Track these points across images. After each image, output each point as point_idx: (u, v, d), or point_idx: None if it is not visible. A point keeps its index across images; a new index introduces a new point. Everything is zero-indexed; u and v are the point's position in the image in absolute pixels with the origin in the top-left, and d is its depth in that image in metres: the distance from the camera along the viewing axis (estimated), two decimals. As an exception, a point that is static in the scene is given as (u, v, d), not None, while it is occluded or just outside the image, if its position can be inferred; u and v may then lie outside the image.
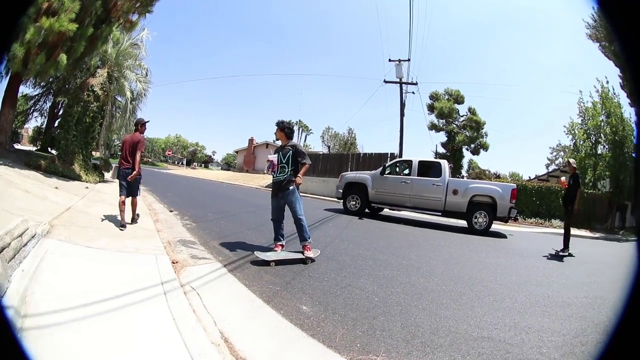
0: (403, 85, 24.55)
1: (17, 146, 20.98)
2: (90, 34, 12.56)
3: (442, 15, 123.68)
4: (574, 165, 9.00)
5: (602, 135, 19.74)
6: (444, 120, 36.29)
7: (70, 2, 11.33)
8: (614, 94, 19.54)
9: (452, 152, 36.06)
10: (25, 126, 32.23)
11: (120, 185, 7.07)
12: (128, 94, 17.86)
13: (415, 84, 25.26)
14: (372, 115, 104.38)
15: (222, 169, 74.92)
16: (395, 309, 3.75)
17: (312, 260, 5.37)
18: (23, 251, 3.88)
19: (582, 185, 19.67)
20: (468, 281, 5.18)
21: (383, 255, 6.46)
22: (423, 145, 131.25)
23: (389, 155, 21.08)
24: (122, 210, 6.84)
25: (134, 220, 7.27)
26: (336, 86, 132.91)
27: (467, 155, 37.70)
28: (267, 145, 53.74)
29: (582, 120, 20.97)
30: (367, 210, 13.12)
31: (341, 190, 13.29)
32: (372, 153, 23.85)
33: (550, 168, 37.87)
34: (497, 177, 32.77)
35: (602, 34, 20.64)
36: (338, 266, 5.31)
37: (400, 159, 14.89)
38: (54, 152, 18.20)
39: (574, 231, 15.80)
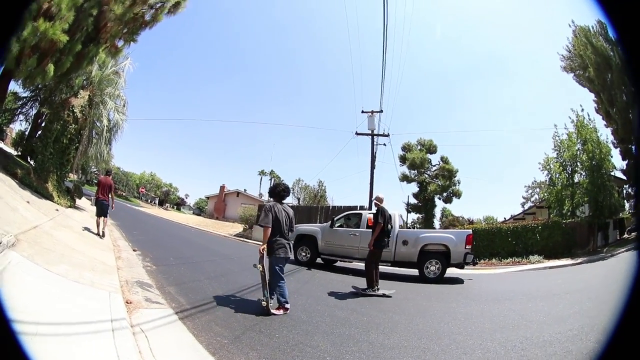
0: (375, 137, 24.90)
1: (0, 144, 20.88)
2: (78, 51, 12.92)
3: (413, 65, 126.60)
4: (376, 202, 8.83)
5: (578, 164, 20.59)
6: (415, 171, 37.01)
7: (67, 11, 11.72)
8: (590, 119, 20.65)
9: (424, 202, 36.84)
10: (11, 126, 32.22)
11: (99, 210, 11.24)
12: (105, 122, 18.06)
13: (387, 135, 25.73)
14: (343, 167, 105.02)
15: (193, 213, 74.33)
16: None
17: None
18: None
19: (560, 216, 20.37)
20: (434, 335, 5.04)
21: (342, 311, 6.35)
22: (394, 196, 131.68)
23: (357, 208, 21.35)
24: (98, 224, 11.03)
25: (104, 234, 10.97)
26: (309, 137, 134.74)
27: (440, 204, 38.36)
28: (238, 194, 54.67)
29: (557, 153, 21.87)
30: (319, 261, 13.37)
31: (292, 242, 13.35)
32: (341, 206, 24.43)
33: (527, 206, 38.47)
34: (471, 222, 33.06)
35: (576, 63, 22.47)
36: (292, 322, 5.26)
37: (351, 212, 15.18)
38: (32, 162, 18.24)
39: (553, 262, 15.97)
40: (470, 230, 12.45)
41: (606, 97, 20.68)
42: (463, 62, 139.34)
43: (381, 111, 24.42)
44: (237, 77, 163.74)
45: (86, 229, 11.21)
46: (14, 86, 18.07)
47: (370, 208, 22.10)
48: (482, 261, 18.62)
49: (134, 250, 10.05)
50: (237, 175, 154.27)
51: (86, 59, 14.01)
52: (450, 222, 34.81)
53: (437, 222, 39.77)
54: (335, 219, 13.47)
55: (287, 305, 5.87)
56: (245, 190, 56.41)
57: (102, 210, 11.15)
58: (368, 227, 12.29)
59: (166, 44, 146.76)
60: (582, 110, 20.82)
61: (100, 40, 14.03)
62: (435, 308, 7.34)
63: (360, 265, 13.09)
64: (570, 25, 22.80)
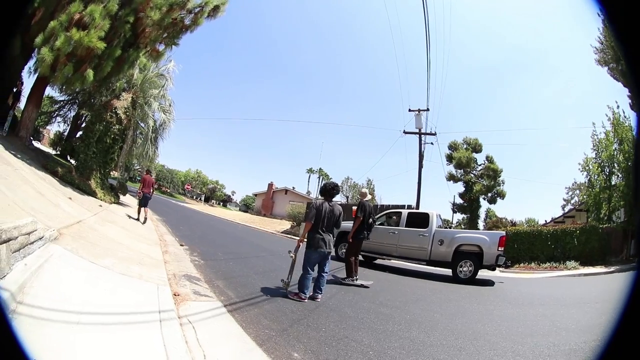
0: (422, 135, 24.82)
1: (37, 144, 21.65)
2: (118, 56, 13.25)
3: (457, 63, 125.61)
4: (359, 196, 8.94)
5: (615, 164, 19.61)
6: (461, 170, 36.67)
7: (101, 20, 12.07)
8: (625, 117, 19.45)
9: (470, 203, 36.59)
10: (47, 127, 33.34)
11: (141, 201, 13.18)
12: (150, 122, 18.39)
13: (434, 134, 25.49)
14: (391, 166, 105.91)
15: (240, 209, 75.07)
16: None
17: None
18: (28, 248, 4.10)
19: (597, 220, 19.48)
20: (470, 335, 5.08)
21: (387, 308, 6.39)
22: (441, 196, 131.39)
23: (405, 207, 21.16)
24: (139, 212, 13.33)
25: (145, 220, 13.13)
26: (357, 136, 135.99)
27: (485, 204, 37.80)
28: (286, 191, 54.61)
29: (595, 153, 20.85)
30: (360, 258, 13.31)
31: (334, 239, 13.52)
32: (389, 204, 24.03)
33: (566, 208, 37.21)
34: (513, 224, 32.48)
35: (609, 56, 20.81)
36: (339, 318, 5.31)
37: (392, 210, 15.24)
38: (72, 161, 18.76)
39: (588, 270, 15.62)
40: (504, 232, 12.32)
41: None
42: (503, 57, 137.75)
43: (427, 109, 24.26)
44: (283, 76, 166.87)
45: (128, 215, 13.42)
46: (50, 91, 18.64)
47: (418, 206, 22.06)
48: (521, 265, 18.46)
49: (181, 245, 10.13)
50: (285, 173, 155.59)
51: (127, 63, 14.40)
52: (494, 223, 34.18)
53: (481, 223, 39.35)
54: (376, 216, 13.43)
55: (319, 297, 6.24)
56: (293, 188, 56.51)
57: (144, 201, 13.22)
58: (407, 225, 12.50)
59: (213, 42, 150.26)
60: (618, 107, 19.75)
61: (140, 45, 14.36)
62: (474, 309, 7.38)
63: (398, 264, 13.54)
64: (599, 14, 21.35)
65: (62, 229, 6.08)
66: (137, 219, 13.14)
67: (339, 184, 52.18)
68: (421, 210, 15.54)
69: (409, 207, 21.73)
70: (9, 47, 11.87)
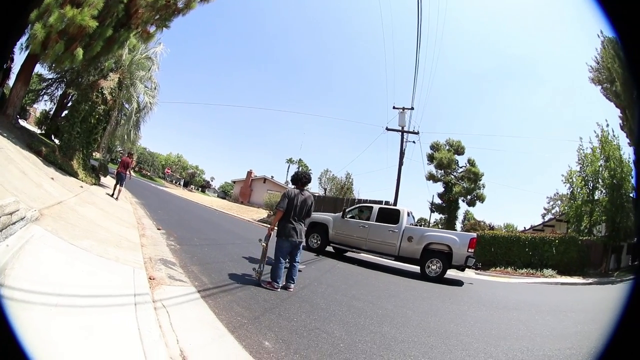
0: (404, 133, 24.94)
1: (23, 123, 21.37)
2: (109, 36, 13.14)
3: (446, 63, 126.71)
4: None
5: (599, 180, 20.12)
6: (442, 171, 37.10)
7: None
8: (614, 136, 20.12)
9: (448, 203, 37.06)
10: (34, 106, 32.93)
11: (117, 180, 14.62)
12: (135, 104, 18.33)
13: (417, 133, 25.63)
14: (371, 161, 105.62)
15: (218, 196, 74.45)
16: (359, 357, 3.79)
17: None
18: (10, 229, 4.15)
19: (577, 232, 19.94)
20: (443, 334, 5.15)
21: (360, 302, 6.48)
22: (420, 195, 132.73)
23: (383, 203, 21.48)
24: (114, 189, 14.55)
25: (117, 197, 14.10)
26: (339, 129, 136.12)
27: (464, 206, 38.27)
28: (264, 180, 54.47)
29: (580, 167, 21.44)
30: (331, 249, 13.83)
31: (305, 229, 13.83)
32: (366, 199, 24.49)
33: (547, 217, 37.82)
34: (491, 228, 33.09)
35: (604, 76, 21.44)
36: (310, 308, 5.38)
37: (363, 204, 15.73)
38: (56, 140, 18.59)
39: (566, 279, 16.04)
40: (475, 234, 12.51)
41: (631, 114, 19.68)
42: (495, 63, 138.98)
43: (412, 108, 24.45)
44: (269, 66, 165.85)
45: (108, 194, 14.37)
46: (39, 68, 18.41)
47: (395, 203, 22.30)
48: (497, 269, 18.86)
49: (158, 229, 10.12)
50: (265, 162, 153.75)
51: (117, 44, 14.25)
52: (472, 225, 34.71)
53: (459, 225, 39.88)
54: (347, 209, 13.87)
55: (292, 287, 6.31)
56: (272, 177, 56.19)
57: (119, 180, 14.68)
58: (377, 220, 12.71)
59: (200, 28, 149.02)
60: (607, 125, 20.35)
61: (132, 25, 14.23)
62: (447, 309, 7.48)
63: (370, 258, 13.82)
64: (599, 36, 21.77)
65: (43, 209, 6.10)
66: (112, 195, 14.34)
67: (318, 176, 52.73)
68: (393, 206, 15.87)
69: (387, 203, 22.00)
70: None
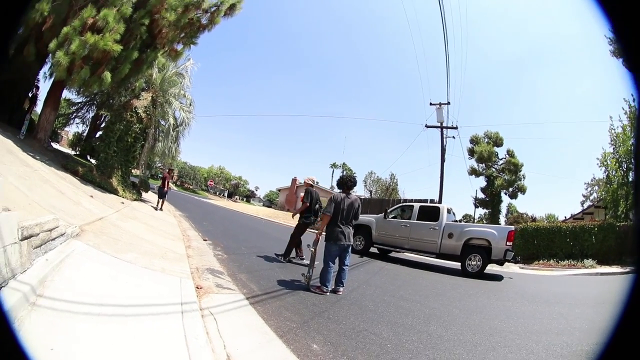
0: (444, 129, 24.72)
1: (56, 145, 22.08)
2: (136, 58, 13.38)
3: (479, 56, 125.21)
4: (309, 182, 9.38)
5: (632, 160, 18.86)
6: (483, 165, 36.66)
7: (115, 23, 12.18)
8: None
9: (491, 197, 36.55)
10: (66, 129, 34.07)
11: (160, 195, 16.57)
12: (171, 120, 18.76)
13: (456, 127, 25.33)
14: (413, 160, 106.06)
15: (263, 205, 75.62)
16: (405, 356, 3.76)
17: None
18: (50, 244, 4.20)
19: (615, 218, 19.15)
20: (487, 331, 5.12)
21: (407, 303, 6.47)
22: (464, 190, 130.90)
23: (429, 201, 21.33)
24: (157, 202, 16.43)
25: (161, 209, 15.76)
26: (380, 130, 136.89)
27: (506, 199, 37.63)
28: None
29: (613, 148, 20.44)
30: (375, 251, 14.02)
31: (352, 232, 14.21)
32: (411, 199, 24.24)
33: (585, 205, 36.56)
34: (533, 220, 32.35)
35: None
36: (359, 311, 5.38)
37: (405, 204, 15.76)
38: (92, 160, 19.19)
39: (604, 269, 15.72)
40: (513, 227, 12.52)
41: None
42: (527, 49, 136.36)
43: (448, 103, 24.35)
44: (305, 71, 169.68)
45: (152, 207, 15.87)
46: (67, 94, 19.02)
47: (440, 201, 22.17)
48: (540, 262, 18.45)
49: (204, 240, 10.24)
50: (309, 168, 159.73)
51: (145, 64, 14.51)
52: (515, 218, 34.17)
53: (502, 218, 39.29)
54: (389, 210, 13.97)
55: (341, 290, 6.31)
56: (317, 182, 56.08)
57: (160, 194, 16.75)
58: (418, 218, 12.78)
59: (234, 38, 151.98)
60: (634, 100, 18.96)
61: (158, 45, 14.43)
62: (492, 305, 7.42)
63: (413, 257, 13.95)
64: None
65: (83, 225, 6.18)
66: (156, 208, 15.81)
67: (362, 179, 52.54)
68: (433, 204, 15.86)
69: (432, 201, 21.83)
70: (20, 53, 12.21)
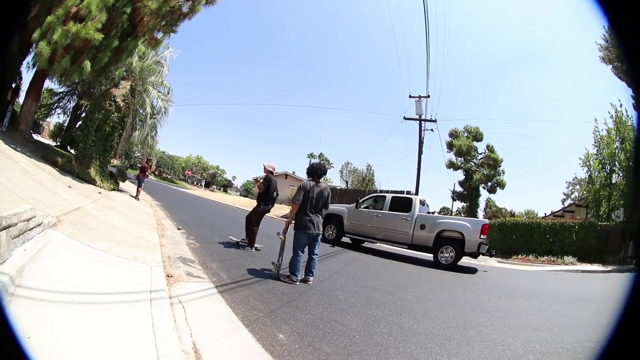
0: (422, 122, 24.96)
1: (37, 137, 21.91)
2: (116, 46, 13.30)
3: (460, 51, 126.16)
4: (269, 169, 9.24)
5: (616, 163, 19.60)
6: (462, 158, 37.08)
7: (98, 12, 12.11)
8: (628, 116, 19.48)
9: (469, 191, 37.02)
10: (47, 120, 33.70)
11: (138, 184, 17.12)
12: (148, 109, 18.67)
13: (435, 121, 25.66)
14: (391, 152, 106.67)
15: (240, 194, 75.47)
16: (374, 349, 3.77)
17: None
18: (28, 234, 4.24)
19: (596, 217, 19.55)
20: (461, 325, 5.10)
21: (379, 294, 6.48)
22: (441, 183, 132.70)
23: (405, 193, 21.43)
24: (138, 193, 16.84)
25: (138, 198, 16.29)
26: (357, 121, 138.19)
27: (485, 194, 38.24)
28: (286, 175, 54.30)
29: (597, 150, 20.90)
30: (348, 240, 14.20)
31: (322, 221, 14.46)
32: (388, 190, 24.25)
33: (566, 203, 37.21)
34: (512, 215, 32.77)
35: (614, 54, 20.63)
36: (329, 301, 5.40)
37: (377, 194, 15.88)
38: (72, 151, 19.03)
39: (585, 266, 15.91)
40: (487, 220, 12.82)
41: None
42: (511, 47, 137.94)
43: (428, 96, 24.41)
44: (284, 61, 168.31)
45: (131, 196, 16.43)
46: (49, 84, 18.78)
47: (417, 193, 22.34)
48: (519, 256, 18.73)
49: (178, 229, 10.27)
50: (286, 158, 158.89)
51: (125, 52, 14.38)
52: (494, 213, 34.44)
53: (480, 212, 39.64)
54: (361, 200, 14.15)
55: (311, 280, 6.37)
56: (293, 172, 56.11)
57: (138, 182, 17.38)
58: (390, 209, 12.94)
59: (211, 27, 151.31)
60: (621, 105, 19.80)
61: (138, 34, 14.33)
62: (468, 298, 7.42)
63: (389, 248, 14.08)
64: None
65: (60, 215, 6.20)
66: (135, 197, 16.43)
67: (339, 170, 52.43)
68: (405, 195, 15.98)
69: (408, 192, 21.87)
70: (8, 45, 12.02)
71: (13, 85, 17.46)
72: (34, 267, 3.53)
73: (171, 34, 16.25)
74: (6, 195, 5.15)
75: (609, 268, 15.55)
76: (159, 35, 15.92)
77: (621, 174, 19.52)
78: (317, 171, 6.70)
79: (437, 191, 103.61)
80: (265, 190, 9.08)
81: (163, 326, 3.20)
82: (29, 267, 3.47)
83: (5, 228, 3.50)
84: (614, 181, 19.87)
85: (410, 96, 25.03)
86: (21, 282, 3.12)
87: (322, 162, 7.33)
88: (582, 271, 15.01)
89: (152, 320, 3.26)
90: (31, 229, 4.37)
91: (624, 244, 18.28)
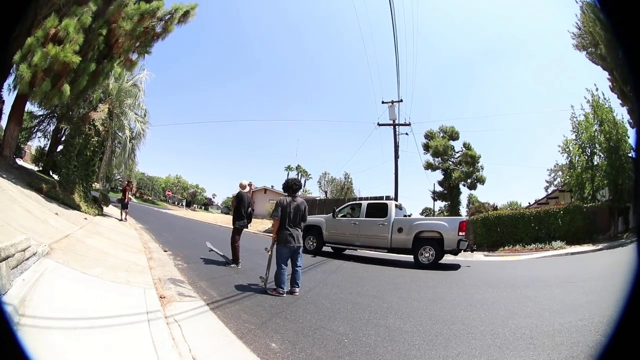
0: (396, 127, 25.27)
1: (20, 162, 21.77)
2: (93, 70, 13.45)
3: (430, 53, 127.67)
4: (242, 186, 9.54)
5: (596, 145, 19.84)
6: (439, 159, 37.57)
7: (75, 33, 12.30)
8: (605, 99, 19.88)
9: (449, 190, 37.42)
10: (28, 143, 33.31)
11: (122, 207, 18.05)
12: (127, 132, 18.73)
13: (409, 124, 26.03)
14: (368, 158, 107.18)
15: (222, 212, 75.45)
16: (362, 350, 3.95)
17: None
18: (25, 264, 4.42)
19: (581, 200, 19.63)
20: (448, 320, 5.23)
21: (364, 298, 6.68)
22: (420, 185, 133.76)
23: (384, 198, 21.66)
24: (121, 214, 17.74)
25: (126, 219, 17.56)
26: (333, 130, 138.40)
27: (465, 190, 38.72)
28: (265, 190, 54.64)
29: (575, 135, 21.15)
30: (329, 250, 14.43)
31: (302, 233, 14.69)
32: (367, 197, 24.52)
33: (549, 190, 37.76)
34: (495, 208, 33.08)
35: (587, 40, 21.24)
36: (316, 309, 5.61)
37: (353, 202, 16.29)
38: (55, 176, 19.07)
39: (575, 248, 15.94)
40: (464, 218, 13.14)
41: (619, 74, 19.36)
42: (479, 45, 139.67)
43: (400, 101, 24.83)
44: (257, 75, 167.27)
45: (116, 219, 17.07)
46: (29, 106, 18.83)
47: (396, 197, 22.53)
48: (506, 248, 18.82)
49: (165, 251, 10.42)
50: (264, 172, 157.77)
51: (102, 75, 14.62)
52: (477, 208, 34.79)
53: (463, 210, 40.09)
54: (337, 209, 14.40)
55: (297, 291, 6.62)
56: (272, 186, 56.08)
57: (123, 205, 18.25)
58: (367, 215, 13.20)
59: (182, 48, 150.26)
60: (597, 89, 20.08)
61: (114, 55, 14.55)
62: (454, 294, 7.57)
63: (369, 254, 14.22)
64: (577, 1, 21.38)
65: (52, 243, 6.37)
66: (120, 220, 17.16)
67: (317, 180, 52.47)
68: (380, 201, 16.13)
69: (387, 197, 22.14)
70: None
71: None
72: (34, 296, 3.71)
73: (145, 55, 16.54)
74: (-1, 226, 5.33)
75: (600, 246, 15.67)
76: (134, 56, 16.11)
77: (602, 155, 19.68)
78: (292, 186, 7.04)
79: (418, 193, 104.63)
80: (237, 207, 9.36)
81: (163, 344, 3.43)
82: (29, 296, 3.66)
83: (4, 259, 3.67)
84: (595, 163, 20.02)
85: (382, 102, 25.42)
86: (24, 312, 3.30)
87: (296, 178, 7.68)
88: (572, 253, 15.05)
89: (152, 339, 3.48)
90: (27, 259, 4.54)
91: (612, 221, 18.57)
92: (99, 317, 3.76)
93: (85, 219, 12.41)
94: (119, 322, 3.80)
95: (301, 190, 7.42)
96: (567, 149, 21.49)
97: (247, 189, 9.62)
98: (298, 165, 71.58)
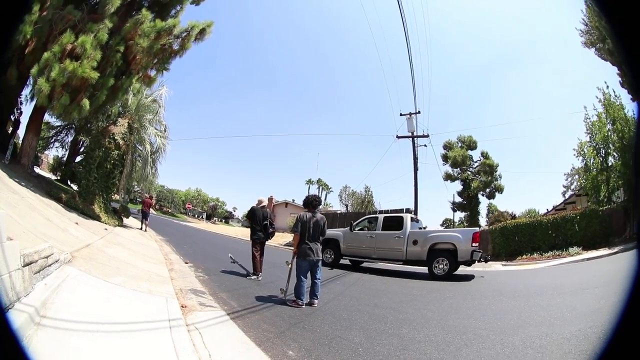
0: (415, 138, 25.24)
1: (38, 170, 22.21)
2: (112, 85, 13.75)
3: (446, 62, 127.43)
4: (259, 202, 10.03)
5: (610, 145, 19.42)
6: (458, 169, 37.37)
7: (92, 50, 12.59)
8: (616, 96, 19.39)
9: (469, 200, 37.27)
10: (45, 152, 33.92)
11: (143, 217, 20.53)
12: (148, 147, 18.98)
13: (427, 136, 25.83)
14: (388, 171, 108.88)
15: (242, 225, 75.18)
16: (376, 358, 4.08)
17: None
18: (47, 270, 4.61)
19: (597, 203, 19.22)
20: (461, 330, 5.27)
21: (381, 310, 6.77)
22: (441, 196, 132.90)
23: (404, 211, 21.76)
24: (142, 223, 20.51)
25: (145, 229, 19.30)
26: (353, 144, 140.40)
27: (484, 200, 38.47)
28: (286, 204, 54.15)
29: (590, 137, 20.72)
30: (347, 262, 14.63)
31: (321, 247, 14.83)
32: (387, 210, 24.70)
33: (567, 195, 37.02)
34: (513, 217, 32.76)
35: (595, 36, 20.80)
36: (333, 320, 5.72)
37: (371, 215, 16.11)
38: (73, 186, 19.44)
39: (591, 254, 15.52)
40: (477, 229, 12.99)
41: (628, 67, 18.22)
42: (494, 52, 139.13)
43: (418, 112, 24.86)
44: (276, 90, 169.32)
45: (138, 229, 18.17)
46: (46, 116, 19.37)
47: (415, 209, 22.60)
48: (524, 256, 18.58)
49: (186, 263, 10.60)
50: (285, 185, 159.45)
51: (121, 90, 14.93)
52: (496, 217, 34.60)
53: (483, 219, 40.05)
54: (355, 223, 14.60)
55: (316, 302, 6.75)
56: (293, 200, 55.35)
57: (144, 216, 20.45)
58: (383, 229, 13.36)
59: (205, 60, 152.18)
60: (607, 87, 19.63)
61: (132, 71, 14.87)
62: (468, 305, 7.60)
63: (387, 266, 14.18)
64: None
65: (73, 252, 6.56)
66: (141, 228, 18.93)
67: (337, 194, 52.44)
68: (396, 214, 16.27)
69: (407, 210, 22.22)
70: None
71: (12, 118, 17.94)
72: (56, 300, 3.90)
73: (164, 71, 16.89)
74: (21, 232, 5.53)
75: (615, 250, 15.25)
76: (152, 73, 16.44)
77: (616, 155, 19.27)
78: (312, 202, 7.29)
79: (438, 204, 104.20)
80: (251, 221, 9.79)
81: (184, 349, 3.58)
82: (51, 299, 3.83)
83: (27, 264, 3.86)
84: (610, 164, 19.63)
85: (401, 114, 25.45)
86: (45, 313, 3.46)
87: (316, 195, 7.96)
88: (588, 259, 14.81)
89: (174, 344, 3.64)
90: (49, 265, 4.73)
91: (627, 222, 17.99)
92: (122, 323, 3.94)
93: (106, 229, 12.62)
94: (141, 327, 3.97)
95: (321, 205, 7.69)
96: (582, 152, 21.14)
97: (262, 204, 9.95)
98: (319, 179, 71.75)
